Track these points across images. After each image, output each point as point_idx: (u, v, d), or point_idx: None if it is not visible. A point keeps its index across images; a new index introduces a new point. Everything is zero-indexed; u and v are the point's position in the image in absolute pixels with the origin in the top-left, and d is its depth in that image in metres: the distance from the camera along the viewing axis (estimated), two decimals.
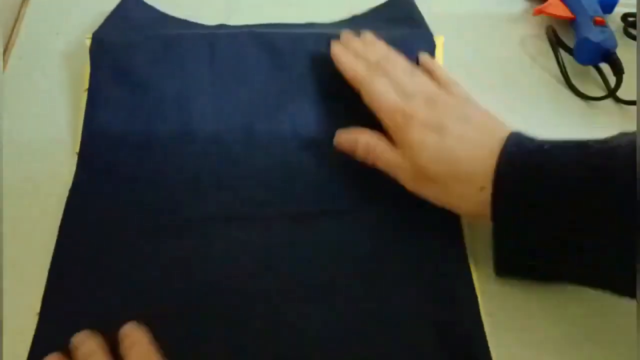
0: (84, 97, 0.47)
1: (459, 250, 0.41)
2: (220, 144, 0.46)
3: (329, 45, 0.47)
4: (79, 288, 0.39)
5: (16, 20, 0.53)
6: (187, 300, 0.39)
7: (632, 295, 0.32)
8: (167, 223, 0.42)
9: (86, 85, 0.48)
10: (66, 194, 0.43)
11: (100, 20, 0.52)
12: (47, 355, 0.35)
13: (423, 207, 0.41)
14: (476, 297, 0.40)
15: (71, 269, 0.40)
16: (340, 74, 0.45)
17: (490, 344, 0.38)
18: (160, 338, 0.36)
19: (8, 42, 0.52)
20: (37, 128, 0.48)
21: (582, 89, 0.51)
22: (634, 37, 0.54)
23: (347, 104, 0.45)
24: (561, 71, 0.52)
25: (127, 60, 0.48)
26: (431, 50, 0.49)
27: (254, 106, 0.47)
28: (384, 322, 0.39)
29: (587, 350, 0.38)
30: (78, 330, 0.36)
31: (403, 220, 0.43)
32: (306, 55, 0.48)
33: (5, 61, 0.51)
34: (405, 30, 0.51)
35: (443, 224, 0.42)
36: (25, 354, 0.36)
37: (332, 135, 0.44)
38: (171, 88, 0.47)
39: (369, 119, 0.43)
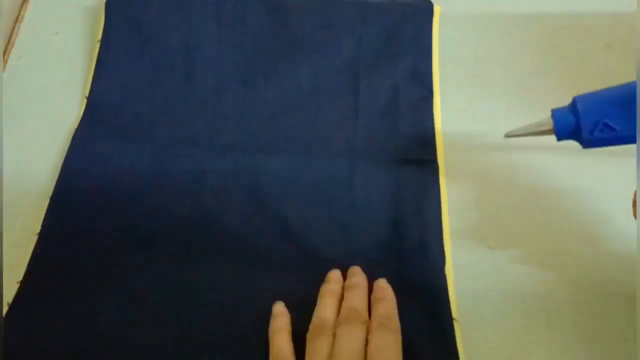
0: (97, 47, 0.51)
1: (436, 198, 0.44)
2: (219, 94, 0.49)
3: (329, 8, 0.51)
4: (80, 212, 0.43)
5: (16, 21, 0.53)
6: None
7: None
8: (163, 162, 0.45)
9: (99, 37, 0.51)
10: None
11: (99, 20, 0.52)
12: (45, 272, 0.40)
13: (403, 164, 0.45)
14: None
15: (70, 201, 0.44)
16: (337, 37, 0.50)
17: None
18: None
19: (8, 42, 0.52)
20: (37, 128, 0.48)
21: None
22: None
23: (342, 66, 0.50)
24: None
25: (139, 13, 0.52)
26: (429, 18, 0.52)
27: (254, 62, 0.50)
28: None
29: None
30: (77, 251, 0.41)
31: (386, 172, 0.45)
32: (308, 16, 0.52)
33: (5, 61, 0.51)
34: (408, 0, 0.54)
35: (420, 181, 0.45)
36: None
37: (327, 93, 0.49)
38: (178, 40, 0.51)
39: (355, 80, 0.49)
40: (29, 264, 0.41)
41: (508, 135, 0.39)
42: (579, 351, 0.39)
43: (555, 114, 0.37)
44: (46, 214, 0.43)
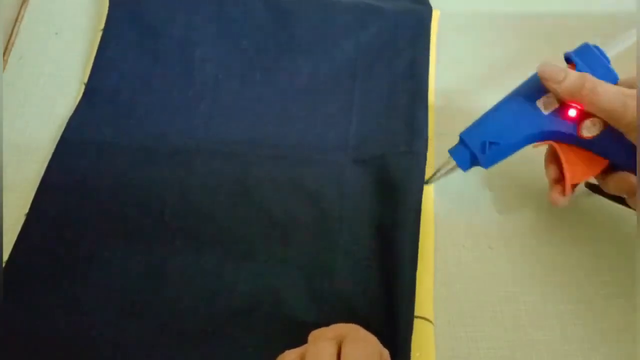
0: (99, 35, 0.51)
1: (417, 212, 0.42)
2: (216, 87, 0.49)
3: (329, 10, 0.52)
4: (67, 197, 0.44)
5: (16, 20, 0.53)
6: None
7: None
8: (155, 150, 0.46)
9: (101, 26, 0.52)
10: None
11: (98, 20, 0.52)
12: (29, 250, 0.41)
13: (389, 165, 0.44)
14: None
15: (60, 185, 0.44)
16: (336, 39, 0.51)
17: None
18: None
19: (8, 42, 0.52)
20: (36, 128, 0.48)
21: None
22: None
23: (340, 66, 0.50)
24: None
25: (143, 5, 0.52)
26: (428, 23, 0.52)
27: (252, 59, 0.51)
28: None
29: None
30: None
31: (370, 172, 0.45)
32: (308, 18, 0.52)
33: (5, 61, 0.51)
34: (408, 4, 0.54)
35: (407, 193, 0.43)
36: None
37: (323, 91, 0.49)
38: (179, 33, 0.51)
39: (352, 79, 0.49)
40: (15, 245, 0.42)
41: (427, 183, 0.44)
42: (579, 351, 0.39)
43: (452, 152, 0.41)
44: (35, 196, 0.43)
